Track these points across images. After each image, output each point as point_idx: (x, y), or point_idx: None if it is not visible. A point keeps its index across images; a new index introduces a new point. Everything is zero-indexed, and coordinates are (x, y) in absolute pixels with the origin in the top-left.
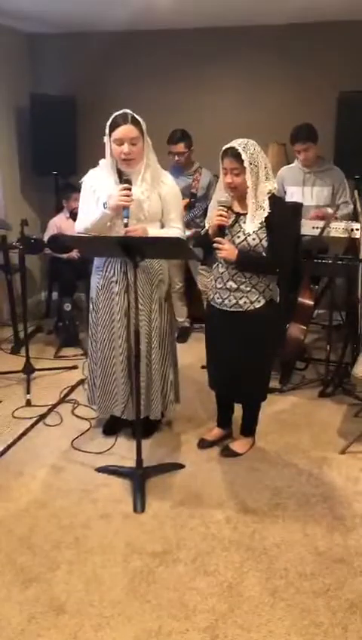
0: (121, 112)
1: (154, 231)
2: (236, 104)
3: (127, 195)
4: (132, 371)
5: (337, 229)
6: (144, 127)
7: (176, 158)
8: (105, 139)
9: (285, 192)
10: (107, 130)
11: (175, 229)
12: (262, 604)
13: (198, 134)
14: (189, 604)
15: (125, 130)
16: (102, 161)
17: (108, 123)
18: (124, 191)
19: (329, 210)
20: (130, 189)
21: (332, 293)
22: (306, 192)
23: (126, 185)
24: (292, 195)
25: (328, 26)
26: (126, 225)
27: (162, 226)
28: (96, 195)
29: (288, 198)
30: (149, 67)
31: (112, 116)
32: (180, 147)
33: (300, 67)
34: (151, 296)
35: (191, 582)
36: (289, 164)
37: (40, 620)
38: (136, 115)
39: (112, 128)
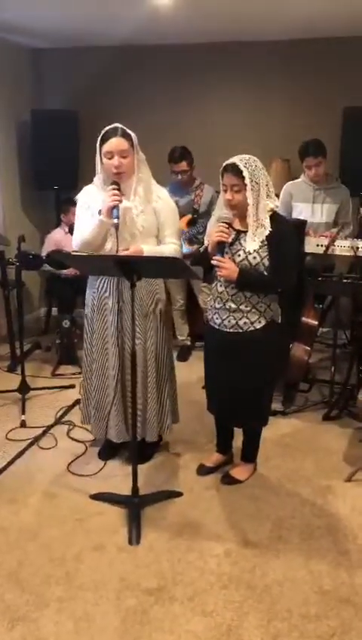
0: (112, 125)
1: (148, 248)
2: (239, 120)
3: (116, 195)
4: (125, 393)
5: (342, 247)
6: (135, 140)
7: (179, 177)
8: (97, 154)
9: (293, 208)
10: (98, 145)
11: (170, 245)
12: None
13: (201, 150)
14: None
15: (115, 143)
16: (95, 178)
17: (99, 137)
18: (112, 191)
19: (335, 231)
20: (118, 189)
21: (337, 311)
22: (316, 209)
23: (114, 185)
24: (301, 211)
25: (332, 42)
26: (116, 226)
27: (159, 242)
28: (91, 211)
29: (296, 215)
30: (151, 82)
31: (103, 130)
32: (183, 165)
33: (304, 83)
34: (146, 315)
35: (187, 623)
36: (292, 179)
37: None
38: (126, 129)
39: (103, 142)
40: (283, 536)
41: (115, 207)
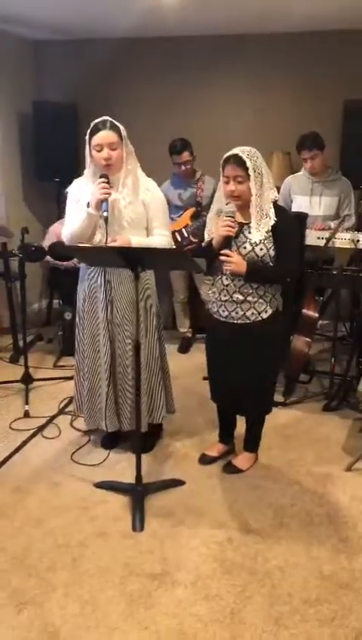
0: (100, 118)
1: (137, 239)
2: (240, 112)
3: (105, 188)
4: (116, 383)
5: (343, 240)
6: (124, 133)
7: (183, 167)
8: (86, 147)
9: (291, 201)
10: (87, 138)
11: (159, 237)
12: (265, 632)
13: (201, 142)
14: (189, 632)
15: (104, 135)
16: (85, 171)
17: (88, 130)
18: (101, 184)
19: (332, 225)
20: (107, 182)
21: (337, 304)
22: (314, 202)
23: (103, 179)
24: (300, 204)
25: (333, 35)
26: (106, 219)
27: (148, 234)
28: (81, 203)
29: (295, 208)
30: (152, 74)
31: (92, 123)
32: (185, 156)
33: (305, 76)
34: (138, 306)
35: (191, 607)
36: (293, 173)
37: None
38: (115, 122)
39: (92, 134)
40: (285, 523)
41: (104, 200)
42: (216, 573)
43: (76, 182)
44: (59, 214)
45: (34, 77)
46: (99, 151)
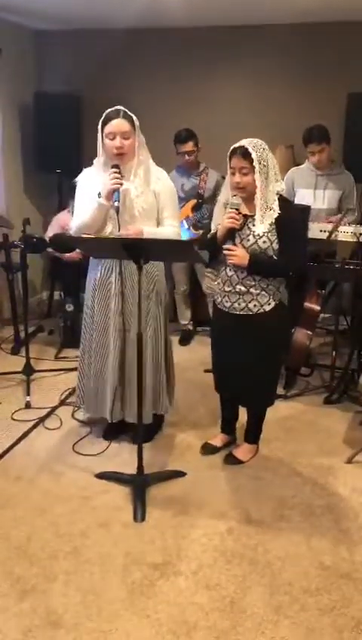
0: (113, 108)
1: (148, 229)
2: (244, 105)
3: (117, 178)
4: (124, 374)
5: (345, 234)
6: (137, 123)
7: (187, 157)
8: (98, 135)
9: (294, 194)
10: (99, 127)
11: (169, 227)
12: (265, 621)
13: (205, 134)
14: (190, 620)
15: (117, 124)
16: (96, 160)
17: (101, 119)
18: (113, 174)
19: (338, 216)
20: (119, 172)
21: (339, 297)
22: (318, 195)
23: (115, 169)
24: (303, 197)
25: (336, 27)
26: (117, 209)
27: (158, 224)
28: (91, 194)
29: (298, 201)
30: (156, 65)
31: (105, 112)
32: (189, 146)
33: (309, 68)
34: (147, 297)
35: (192, 596)
36: (296, 166)
37: (36, 633)
38: (128, 111)
39: (104, 123)
40: (285, 514)
41: (116, 190)
42: (216, 562)
43: (86, 171)
44: (61, 205)
45: (35, 67)
46: (111, 139)
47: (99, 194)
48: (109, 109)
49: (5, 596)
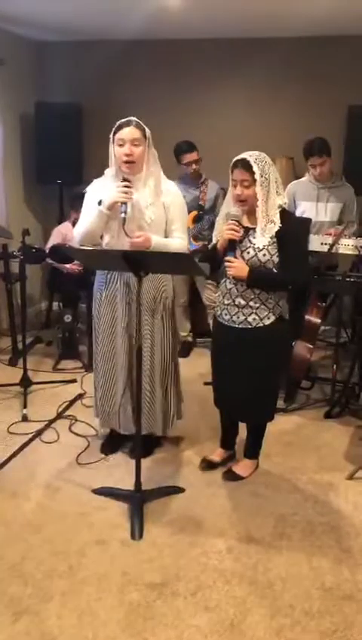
0: (126, 118)
1: (157, 238)
2: (244, 117)
3: (126, 192)
4: (133, 386)
5: (346, 246)
6: (148, 134)
7: (193, 166)
8: (110, 146)
9: (296, 207)
10: (111, 135)
11: (178, 240)
12: None
13: (205, 146)
14: None
15: (127, 131)
16: (107, 171)
17: (114, 128)
18: (122, 187)
19: (340, 228)
20: (130, 186)
21: (339, 310)
22: (320, 208)
23: (126, 182)
24: (305, 210)
25: (337, 40)
26: (123, 220)
27: (166, 236)
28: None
29: (300, 213)
30: (156, 77)
31: (118, 122)
32: (195, 155)
33: (309, 81)
34: (154, 309)
35: (190, 618)
36: (297, 178)
37: None
38: (141, 122)
39: (115, 132)
40: (286, 532)
41: (123, 203)
42: (216, 583)
43: (96, 182)
44: (61, 216)
45: (37, 78)
46: (121, 145)
47: (100, 202)
48: (122, 120)
49: None
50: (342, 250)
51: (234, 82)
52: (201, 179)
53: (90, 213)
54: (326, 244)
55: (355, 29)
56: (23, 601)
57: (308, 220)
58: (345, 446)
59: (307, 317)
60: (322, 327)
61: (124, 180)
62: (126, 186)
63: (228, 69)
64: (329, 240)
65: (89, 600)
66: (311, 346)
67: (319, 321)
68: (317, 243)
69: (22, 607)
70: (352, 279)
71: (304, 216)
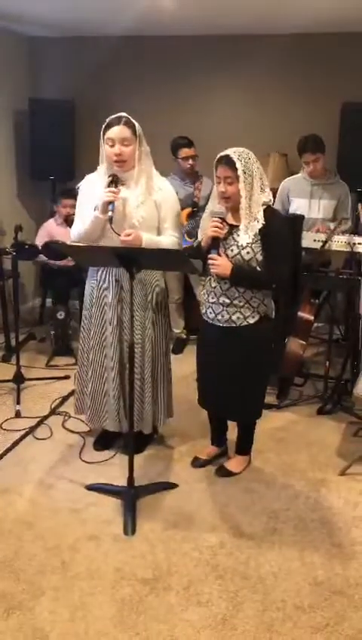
0: (116, 114)
1: (148, 236)
2: (238, 113)
3: (112, 191)
4: (124, 384)
5: (339, 243)
6: (139, 131)
7: (191, 161)
8: (100, 142)
9: (289, 204)
10: (101, 133)
11: (170, 237)
12: (257, 639)
13: (199, 143)
14: (180, 638)
15: (117, 130)
16: (99, 167)
17: (103, 125)
18: (108, 189)
19: (331, 226)
20: (115, 184)
21: (332, 307)
22: (313, 205)
23: (110, 179)
24: (299, 207)
25: (331, 37)
26: (110, 219)
27: (159, 234)
28: (92, 202)
29: (293, 210)
30: (150, 73)
31: (108, 119)
32: (193, 151)
33: (303, 78)
34: (145, 306)
35: (182, 613)
36: (291, 174)
37: None
38: (131, 119)
39: (105, 130)
40: (278, 528)
41: (110, 202)
42: (208, 578)
43: (88, 177)
44: (52, 213)
45: (30, 74)
46: (111, 146)
47: (96, 207)
48: (112, 116)
49: None
50: (334, 247)
51: (228, 79)
52: (197, 176)
53: (86, 218)
54: (318, 240)
55: (350, 26)
56: (15, 597)
57: (300, 217)
58: (337, 442)
59: (300, 314)
60: (315, 324)
61: (110, 178)
62: (111, 185)
63: (222, 66)
64: (322, 237)
65: (81, 595)
66: (303, 343)
67: (312, 317)
68: (309, 240)
69: (14, 602)
70: (345, 276)
71: (297, 212)
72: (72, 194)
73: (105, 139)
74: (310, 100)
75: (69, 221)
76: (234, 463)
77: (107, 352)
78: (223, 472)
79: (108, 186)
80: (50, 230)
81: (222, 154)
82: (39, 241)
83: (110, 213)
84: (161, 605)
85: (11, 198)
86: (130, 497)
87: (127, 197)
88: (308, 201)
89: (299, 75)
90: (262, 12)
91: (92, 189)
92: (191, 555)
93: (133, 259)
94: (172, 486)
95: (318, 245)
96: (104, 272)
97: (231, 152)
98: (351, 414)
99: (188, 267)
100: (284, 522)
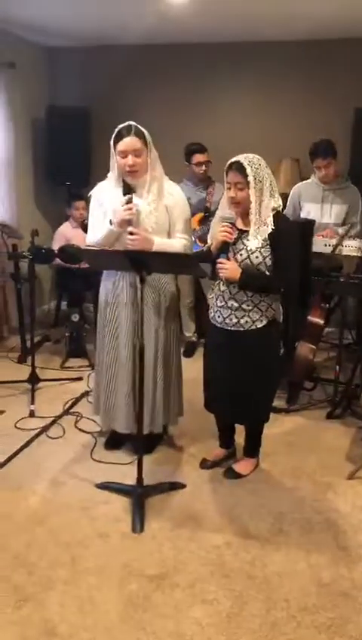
0: (125, 124)
1: (160, 240)
2: (250, 119)
3: (130, 209)
4: (136, 385)
5: (349, 248)
6: (149, 138)
7: (204, 167)
8: (111, 151)
9: (301, 208)
10: (112, 143)
11: (181, 240)
12: (261, 637)
13: (212, 149)
14: (185, 634)
15: (129, 142)
16: (109, 174)
17: (113, 135)
18: (126, 205)
19: (340, 231)
20: (131, 202)
21: (343, 311)
22: (324, 210)
23: (128, 198)
24: (309, 212)
25: (344, 43)
26: (131, 233)
27: (169, 238)
28: (104, 207)
29: (304, 215)
30: (163, 81)
31: (117, 129)
32: (206, 156)
33: (315, 83)
34: (158, 309)
35: (187, 610)
36: (302, 179)
37: None
38: (140, 127)
39: (116, 140)
40: (284, 530)
41: (130, 221)
42: (214, 576)
43: (99, 185)
44: (68, 217)
45: (47, 82)
46: (123, 157)
47: (111, 221)
48: (121, 125)
49: (2, 604)
50: (346, 252)
51: (241, 85)
52: (209, 181)
53: (101, 229)
54: (329, 245)
55: (360, 32)
56: (27, 589)
57: (311, 222)
58: (346, 446)
59: (310, 318)
60: (327, 329)
61: (127, 191)
62: (128, 205)
63: (235, 73)
64: (333, 241)
65: (90, 590)
66: (313, 347)
67: (322, 322)
68: (320, 245)
69: (25, 594)
70: (356, 281)
71: (309, 217)
72: (83, 197)
73: (116, 151)
74: (322, 106)
75: (83, 225)
76: (242, 465)
77: (120, 353)
78: (231, 474)
79: (127, 202)
80: (66, 234)
81: (233, 160)
82: (56, 245)
83: (129, 229)
84: (166, 602)
85: (29, 203)
86: (139, 496)
87: (140, 204)
88: (320, 206)
89: (312, 81)
90: (274, 18)
91: (104, 196)
92: (198, 554)
93: (142, 262)
94: (180, 486)
95: (329, 250)
96: (119, 274)
97: (242, 158)
98: (361, 419)
99: (196, 270)
100: (291, 524)
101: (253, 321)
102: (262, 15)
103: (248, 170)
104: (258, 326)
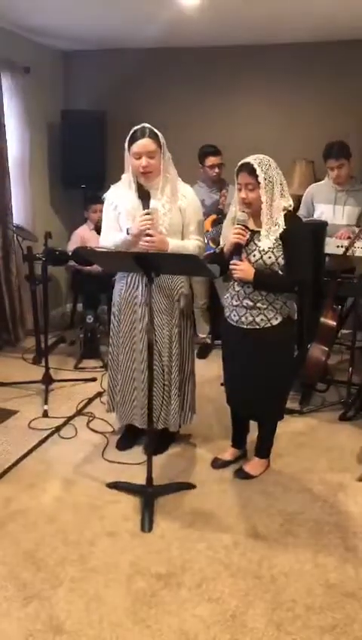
0: (139, 126)
1: (175, 242)
2: (264, 122)
3: (148, 220)
4: (152, 383)
5: None
6: (162, 140)
7: (217, 169)
8: (126, 153)
9: (314, 209)
10: (126, 145)
11: (194, 242)
12: (266, 636)
13: (226, 151)
14: (190, 632)
15: (143, 144)
16: (123, 176)
17: (128, 137)
18: (144, 217)
19: (356, 230)
20: (149, 214)
21: (357, 313)
22: (337, 211)
23: (146, 211)
24: (322, 213)
25: (358, 44)
26: (148, 234)
27: (183, 239)
28: (118, 210)
29: (317, 216)
30: (177, 84)
31: (131, 130)
32: (219, 159)
33: (329, 85)
34: (171, 309)
35: (194, 608)
36: (316, 181)
37: (37, 638)
38: (154, 129)
39: (131, 142)
40: (293, 530)
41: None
42: (220, 576)
43: (113, 187)
44: (84, 220)
45: (62, 86)
46: (137, 159)
47: (128, 230)
48: (135, 127)
49: (10, 600)
50: (358, 254)
51: (255, 88)
52: (223, 183)
53: (117, 235)
54: (341, 246)
55: None
56: (35, 586)
57: (323, 224)
58: (357, 448)
59: (322, 319)
60: (342, 331)
61: (144, 196)
62: (146, 217)
63: (249, 75)
64: (345, 243)
65: (97, 587)
66: (326, 349)
67: (334, 324)
68: (333, 246)
69: (33, 591)
70: None
71: (321, 218)
72: (100, 199)
73: (131, 152)
74: (336, 108)
75: (98, 227)
76: (253, 466)
77: (136, 352)
78: (242, 474)
79: (144, 214)
80: (83, 236)
81: (243, 161)
82: (71, 246)
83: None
84: (173, 600)
85: (45, 206)
86: (149, 495)
87: (155, 207)
88: (333, 207)
89: (325, 83)
90: (287, 21)
91: (118, 198)
92: (205, 554)
93: (151, 263)
94: (191, 486)
95: (341, 251)
96: (133, 275)
97: (252, 159)
98: None
99: (205, 272)
100: (299, 525)
101: (269, 319)
102: (275, 17)
103: (258, 171)
104: (273, 324)
